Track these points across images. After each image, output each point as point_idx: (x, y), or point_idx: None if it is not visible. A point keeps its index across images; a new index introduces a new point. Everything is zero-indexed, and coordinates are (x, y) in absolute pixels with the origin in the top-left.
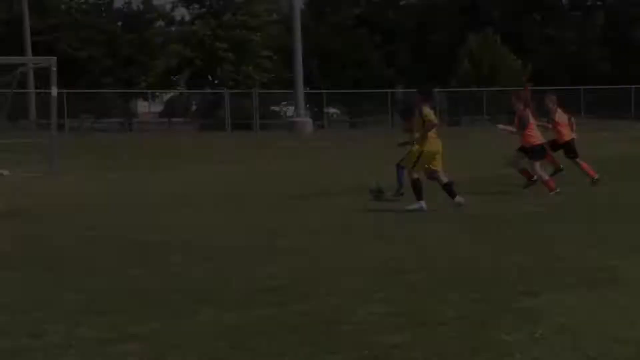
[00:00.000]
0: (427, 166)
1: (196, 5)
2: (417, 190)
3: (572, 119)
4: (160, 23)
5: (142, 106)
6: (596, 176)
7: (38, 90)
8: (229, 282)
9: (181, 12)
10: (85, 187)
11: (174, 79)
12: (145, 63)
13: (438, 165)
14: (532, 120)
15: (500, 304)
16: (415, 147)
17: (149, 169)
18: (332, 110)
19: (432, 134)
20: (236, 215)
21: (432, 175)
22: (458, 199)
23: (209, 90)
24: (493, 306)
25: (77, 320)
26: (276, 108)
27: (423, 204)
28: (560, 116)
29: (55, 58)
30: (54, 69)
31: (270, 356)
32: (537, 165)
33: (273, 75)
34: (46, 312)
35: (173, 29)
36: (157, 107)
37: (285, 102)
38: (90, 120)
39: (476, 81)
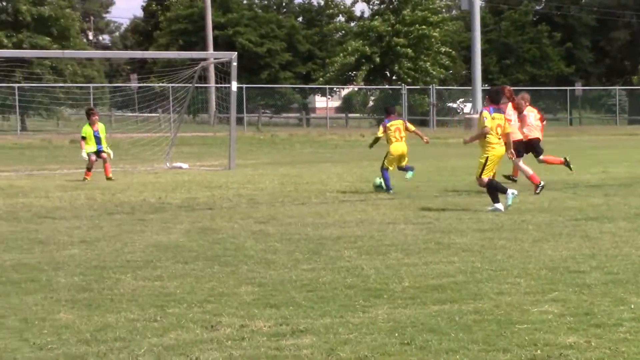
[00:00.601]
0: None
1: (376, 1)
2: (493, 191)
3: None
4: (340, 19)
5: (319, 101)
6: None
7: (218, 85)
8: (402, 278)
9: (361, 8)
10: (260, 181)
11: (352, 74)
12: (323, 58)
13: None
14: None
15: None
16: (481, 156)
17: (325, 164)
18: None
19: (494, 139)
20: (410, 211)
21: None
22: (499, 205)
23: (387, 86)
24: None
25: (251, 313)
26: (453, 104)
27: (510, 193)
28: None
29: (235, 53)
30: (234, 63)
31: (440, 353)
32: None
33: (451, 71)
34: (221, 304)
35: (352, 24)
36: (335, 103)
37: (462, 99)
38: (268, 114)
39: None
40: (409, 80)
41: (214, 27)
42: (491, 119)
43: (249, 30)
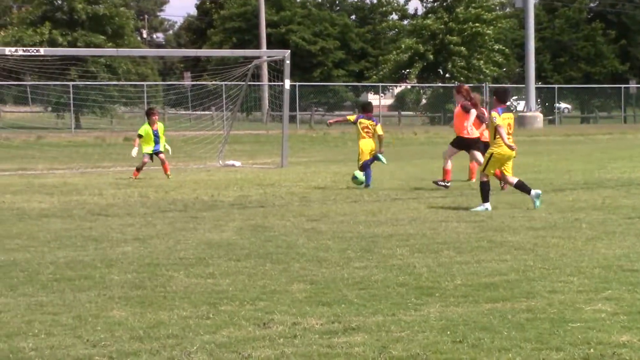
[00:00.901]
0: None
1: None
2: (485, 193)
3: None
4: (394, 16)
5: (372, 99)
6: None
7: (271, 83)
8: (454, 276)
9: (414, 5)
10: (313, 178)
11: (405, 72)
12: (376, 56)
13: (508, 169)
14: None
15: None
16: (488, 150)
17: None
18: (563, 105)
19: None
20: (463, 209)
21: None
22: (534, 191)
23: (440, 84)
24: None
25: (303, 311)
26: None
27: (488, 205)
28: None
29: (288, 51)
30: (288, 62)
31: (493, 352)
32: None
33: (504, 69)
34: (273, 302)
35: (406, 22)
36: (388, 101)
37: (515, 97)
38: (321, 112)
39: None
40: (461, 78)
41: (267, 25)
42: (501, 119)
43: (302, 28)
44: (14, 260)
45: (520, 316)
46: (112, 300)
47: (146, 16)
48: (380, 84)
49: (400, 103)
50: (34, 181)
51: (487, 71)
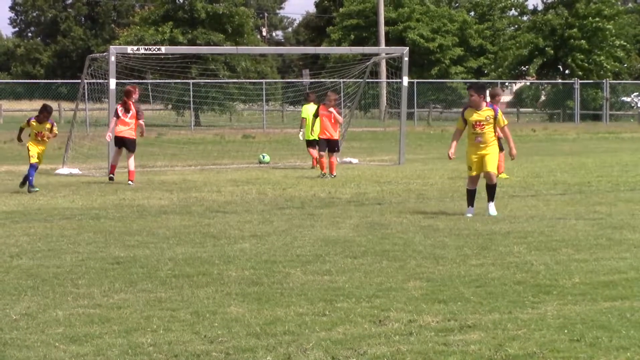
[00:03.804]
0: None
1: None
2: (492, 192)
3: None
4: (513, 12)
5: None
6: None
7: (389, 80)
8: (572, 274)
9: (534, 2)
10: (430, 176)
11: (524, 69)
12: (495, 53)
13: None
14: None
15: None
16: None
17: None
18: None
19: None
20: (582, 207)
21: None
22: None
23: (559, 81)
24: None
25: (419, 308)
26: (627, 99)
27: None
28: None
29: (407, 48)
30: (406, 59)
31: (611, 351)
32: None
33: (625, 65)
34: (389, 299)
35: (525, 18)
36: (506, 97)
37: (636, 93)
38: (439, 109)
39: None
40: (580, 73)
41: (386, 23)
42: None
43: (420, 25)
44: (133, 256)
45: (639, 315)
46: (230, 297)
47: (266, 14)
48: (499, 81)
49: (518, 100)
50: (154, 178)
51: (608, 66)
